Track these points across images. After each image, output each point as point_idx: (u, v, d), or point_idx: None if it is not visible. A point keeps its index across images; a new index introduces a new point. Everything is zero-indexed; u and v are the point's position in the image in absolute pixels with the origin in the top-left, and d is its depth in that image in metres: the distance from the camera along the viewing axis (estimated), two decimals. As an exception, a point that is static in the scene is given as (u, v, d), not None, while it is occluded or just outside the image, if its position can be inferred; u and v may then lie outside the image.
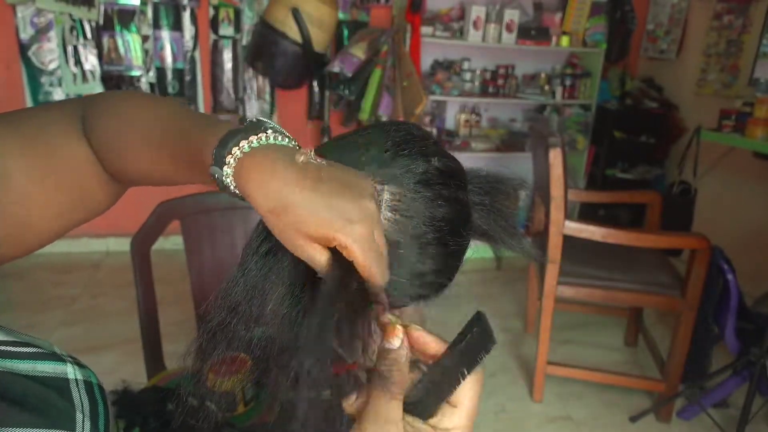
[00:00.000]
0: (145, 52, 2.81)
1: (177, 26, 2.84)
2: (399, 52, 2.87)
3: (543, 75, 3.43)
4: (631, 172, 3.56)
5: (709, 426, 1.92)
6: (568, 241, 1.89)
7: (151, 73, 2.85)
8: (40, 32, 2.66)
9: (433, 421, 0.40)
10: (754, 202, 3.00)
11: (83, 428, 0.36)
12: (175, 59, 2.87)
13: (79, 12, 2.66)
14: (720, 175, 3.19)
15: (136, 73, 2.81)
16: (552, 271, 1.92)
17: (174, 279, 1.88)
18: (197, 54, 2.90)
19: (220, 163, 0.37)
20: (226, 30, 2.91)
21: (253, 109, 3.06)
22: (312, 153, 0.38)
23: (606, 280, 1.94)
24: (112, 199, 0.55)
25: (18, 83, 2.68)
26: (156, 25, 2.80)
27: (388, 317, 0.40)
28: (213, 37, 2.91)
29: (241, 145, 0.37)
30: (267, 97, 3.08)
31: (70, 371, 0.39)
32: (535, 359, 2.05)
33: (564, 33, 3.27)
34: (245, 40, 2.94)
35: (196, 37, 2.88)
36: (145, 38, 2.80)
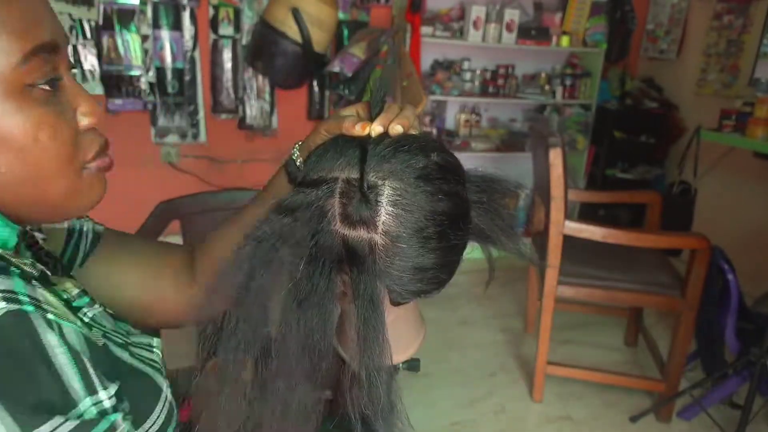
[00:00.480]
0: (145, 51, 2.81)
1: (177, 26, 2.83)
2: (399, 52, 2.87)
3: (543, 75, 3.43)
4: (631, 172, 3.55)
5: (709, 426, 1.92)
6: (568, 241, 1.88)
7: (151, 73, 2.84)
8: (40, 32, 2.66)
9: None
10: (754, 202, 2.99)
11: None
12: (174, 59, 2.87)
13: (79, 11, 2.66)
14: (720, 175, 3.19)
15: (135, 72, 2.81)
16: (552, 271, 1.92)
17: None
18: (197, 54, 2.90)
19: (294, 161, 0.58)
20: (226, 30, 2.91)
21: (253, 109, 3.06)
22: None
23: (606, 280, 1.93)
24: (179, 312, 0.70)
25: (18, 83, 2.68)
26: (156, 25, 2.80)
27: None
28: (213, 36, 2.91)
29: (295, 149, 0.60)
30: (267, 97, 3.08)
31: (164, 389, 0.55)
32: (535, 359, 2.05)
33: (564, 33, 3.27)
34: (245, 40, 2.94)
35: (195, 37, 2.88)
36: (144, 38, 2.79)
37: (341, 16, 3.00)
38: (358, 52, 2.75)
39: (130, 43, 2.78)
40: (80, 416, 0.39)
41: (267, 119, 3.09)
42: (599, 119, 3.46)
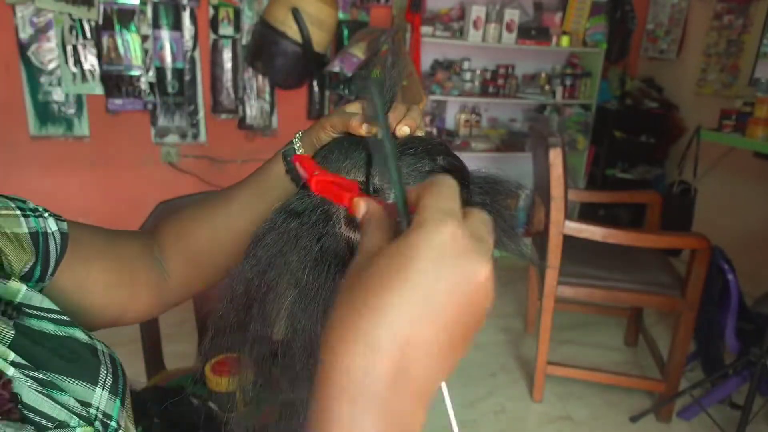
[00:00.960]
0: (145, 51, 2.81)
1: (177, 26, 2.83)
2: (399, 52, 2.87)
3: (543, 75, 3.42)
4: (631, 172, 3.56)
5: (709, 426, 1.92)
6: (568, 241, 1.88)
7: (151, 73, 2.84)
8: (40, 32, 2.66)
9: None
10: (754, 202, 2.99)
11: (105, 383, 0.47)
12: (174, 59, 2.87)
13: (79, 11, 2.66)
14: (720, 175, 3.19)
15: (135, 72, 2.81)
16: (552, 271, 1.92)
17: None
18: (197, 54, 2.90)
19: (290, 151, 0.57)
20: (226, 30, 2.91)
21: (253, 109, 3.06)
22: None
23: (606, 280, 1.93)
24: (157, 301, 0.64)
25: (17, 83, 2.67)
26: (155, 25, 2.80)
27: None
28: (213, 36, 2.91)
29: (295, 140, 0.58)
30: (267, 96, 3.08)
31: (99, 345, 0.50)
32: (535, 359, 2.05)
33: (564, 33, 3.27)
34: (245, 39, 2.94)
35: (195, 37, 2.88)
36: (144, 38, 2.79)
37: (341, 16, 3.00)
38: (358, 52, 2.75)
39: (130, 43, 2.78)
40: None
41: (267, 119, 3.09)
42: (599, 119, 3.46)
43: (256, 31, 2.79)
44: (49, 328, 0.47)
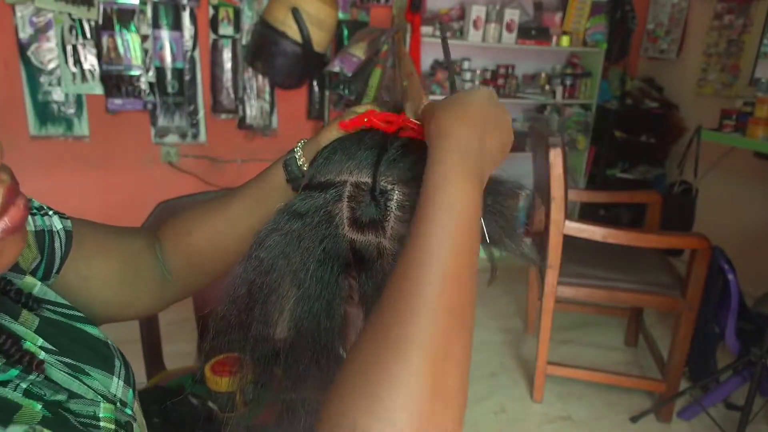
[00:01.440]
0: (145, 51, 2.81)
1: (176, 26, 2.83)
2: (399, 52, 2.87)
3: (543, 75, 3.42)
4: (631, 172, 3.55)
5: (709, 426, 1.92)
6: (569, 241, 1.88)
7: (151, 73, 2.84)
8: (39, 31, 2.65)
9: None
10: (754, 202, 2.99)
11: (120, 373, 0.50)
12: (174, 59, 2.87)
13: (79, 11, 2.66)
14: (721, 175, 3.19)
15: (135, 72, 2.81)
16: (552, 271, 1.92)
17: (174, 279, 1.88)
18: (197, 54, 2.90)
19: (292, 160, 0.57)
20: (226, 30, 2.91)
21: (253, 109, 3.06)
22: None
23: (606, 280, 1.93)
24: (158, 299, 0.66)
25: (17, 83, 2.67)
26: (155, 25, 2.80)
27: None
28: (213, 36, 2.91)
29: (297, 148, 0.58)
30: (267, 96, 3.08)
31: (109, 340, 0.52)
32: (535, 359, 2.04)
33: (564, 33, 3.27)
34: (245, 39, 2.94)
35: (195, 37, 2.88)
36: (144, 38, 2.79)
37: (341, 16, 2.99)
38: (358, 52, 2.75)
39: (130, 43, 2.78)
40: None
41: (267, 119, 3.09)
42: (599, 119, 3.46)
43: (256, 31, 2.78)
44: (63, 320, 0.49)
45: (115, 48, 2.76)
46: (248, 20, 2.92)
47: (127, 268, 0.61)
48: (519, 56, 3.41)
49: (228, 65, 2.97)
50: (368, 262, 0.46)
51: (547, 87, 3.40)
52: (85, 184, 2.82)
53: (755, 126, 2.55)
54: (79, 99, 2.78)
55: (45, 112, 2.75)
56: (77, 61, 2.73)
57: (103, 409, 0.44)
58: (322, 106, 3.10)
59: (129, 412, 0.49)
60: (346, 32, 3.07)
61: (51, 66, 2.72)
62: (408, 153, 0.47)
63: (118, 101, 2.81)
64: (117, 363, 0.50)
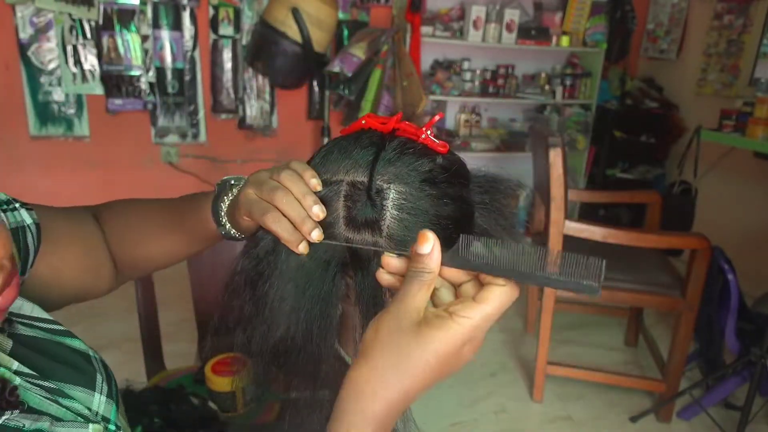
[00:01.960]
0: (145, 51, 2.81)
1: (177, 26, 2.84)
2: (399, 52, 2.87)
3: (543, 75, 3.42)
4: (631, 172, 3.55)
5: (709, 426, 1.92)
6: (568, 241, 1.88)
7: (151, 73, 2.85)
8: (40, 32, 2.66)
9: (450, 306, 0.39)
10: (754, 202, 2.99)
11: (102, 387, 0.49)
12: (174, 59, 2.87)
13: (79, 11, 2.66)
14: (720, 175, 3.19)
15: (135, 72, 2.81)
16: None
17: (174, 279, 1.88)
18: (197, 54, 2.90)
19: (219, 221, 0.57)
20: (226, 30, 2.91)
21: (253, 109, 3.06)
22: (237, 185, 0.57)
23: (606, 280, 1.93)
24: (110, 284, 0.66)
25: (17, 83, 2.68)
26: (156, 25, 2.80)
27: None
28: (213, 36, 2.91)
29: (222, 207, 0.57)
30: (267, 97, 3.08)
31: (91, 351, 0.51)
32: (535, 359, 2.04)
33: (564, 33, 3.27)
34: (245, 39, 2.94)
35: (195, 37, 2.88)
36: (144, 38, 2.79)
37: (341, 16, 3.00)
38: (358, 52, 2.75)
39: (130, 43, 2.78)
40: None
41: (267, 119, 3.09)
42: (599, 119, 3.46)
43: (256, 31, 2.79)
44: (41, 335, 0.48)
45: (116, 48, 2.76)
46: (248, 20, 2.92)
47: (89, 252, 0.62)
48: (519, 56, 3.41)
49: (228, 65, 2.97)
50: (364, 261, 0.46)
51: (546, 87, 3.40)
52: (85, 184, 2.82)
53: (755, 126, 2.55)
54: (79, 99, 2.78)
55: (45, 112, 2.75)
56: (77, 62, 2.74)
57: (93, 430, 0.43)
58: (322, 106, 3.10)
59: (112, 428, 0.48)
60: (346, 32, 3.07)
61: (51, 66, 2.72)
62: (405, 153, 0.47)
63: (118, 101, 2.81)
64: (99, 378, 0.49)
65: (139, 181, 2.90)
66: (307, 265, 0.47)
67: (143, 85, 2.84)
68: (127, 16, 2.74)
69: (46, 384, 0.44)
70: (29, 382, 0.43)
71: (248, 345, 0.49)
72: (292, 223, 0.45)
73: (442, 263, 0.39)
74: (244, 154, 3.07)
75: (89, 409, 0.46)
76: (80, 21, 2.69)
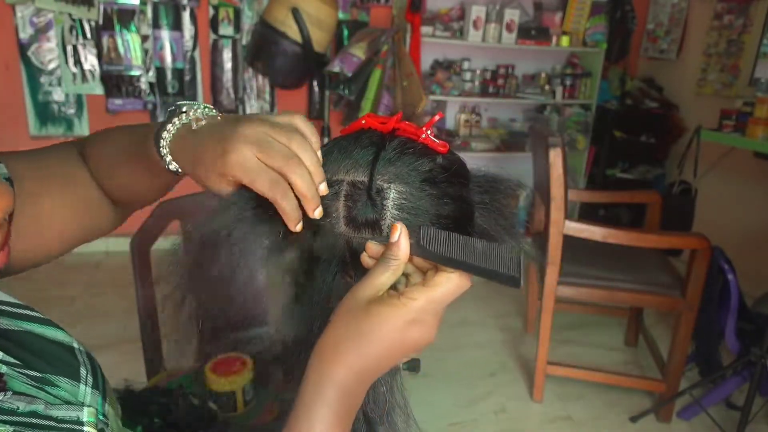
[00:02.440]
0: (145, 51, 2.81)
1: (177, 26, 2.84)
2: (399, 52, 2.87)
3: (543, 75, 3.43)
4: (631, 172, 3.56)
5: (709, 426, 1.92)
6: (568, 241, 1.88)
7: (151, 73, 2.85)
8: (40, 32, 2.66)
9: (401, 287, 0.43)
10: (754, 202, 2.99)
11: (86, 380, 0.47)
12: (174, 59, 2.87)
13: (79, 11, 2.66)
14: (720, 175, 3.19)
15: (135, 72, 2.81)
16: (552, 271, 1.92)
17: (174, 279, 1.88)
18: (197, 54, 2.90)
19: (159, 148, 0.49)
20: (226, 30, 2.91)
21: (253, 109, 3.06)
22: (202, 120, 0.48)
23: (606, 280, 1.93)
24: (113, 221, 0.64)
25: (17, 83, 2.68)
26: (156, 25, 2.80)
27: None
28: (213, 36, 2.91)
29: (164, 136, 0.48)
30: (267, 96, 3.08)
31: (75, 343, 0.49)
32: (535, 359, 2.05)
33: (564, 33, 3.27)
34: (245, 39, 2.94)
35: (195, 37, 2.88)
36: (144, 38, 2.80)
37: (341, 16, 3.00)
38: (358, 52, 2.75)
39: (130, 43, 2.78)
40: None
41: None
42: (599, 119, 3.46)
43: (256, 31, 2.79)
44: (21, 330, 0.46)
45: (116, 48, 2.76)
46: (248, 20, 2.92)
47: (74, 194, 0.58)
48: (519, 56, 3.41)
49: (228, 65, 2.97)
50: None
51: (546, 87, 3.41)
52: (85, 184, 2.82)
53: (755, 126, 2.55)
54: (79, 99, 2.78)
55: (45, 112, 2.75)
56: (77, 62, 2.74)
57: (87, 414, 0.43)
58: (322, 106, 3.10)
59: (102, 418, 0.47)
60: (346, 32, 3.07)
61: (51, 66, 2.72)
62: (405, 152, 0.47)
63: (118, 101, 2.81)
64: (83, 371, 0.47)
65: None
66: (307, 265, 0.47)
67: (143, 85, 2.84)
68: (127, 16, 2.74)
69: (31, 373, 0.43)
70: (14, 370, 0.42)
71: (249, 345, 0.49)
72: (298, 197, 0.43)
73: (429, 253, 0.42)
74: (244, 154, 3.07)
75: (76, 399, 0.45)
76: (80, 21, 2.69)
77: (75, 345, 0.49)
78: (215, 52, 2.93)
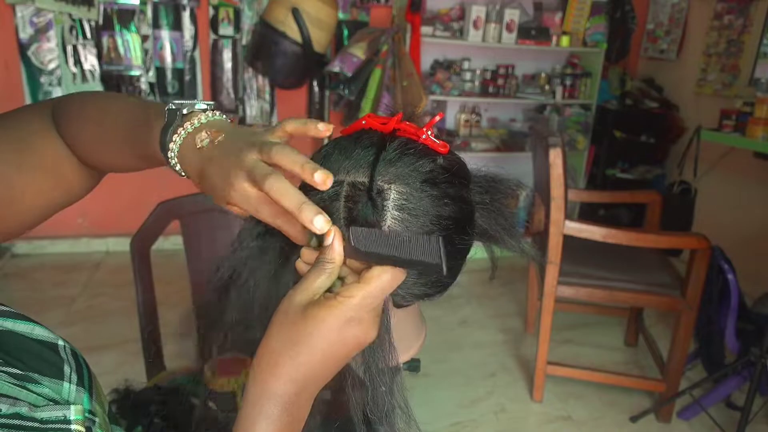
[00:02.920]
0: (145, 51, 2.81)
1: (177, 26, 2.84)
2: (399, 52, 2.87)
3: (543, 75, 3.43)
4: (631, 172, 3.56)
5: (709, 426, 1.92)
6: (568, 241, 1.88)
7: (151, 73, 2.85)
8: (40, 32, 2.66)
9: (337, 288, 0.43)
10: (754, 202, 3.00)
11: (70, 378, 0.45)
12: (174, 59, 2.87)
13: (79, 11, 2.66)
14: (720, 175, 3.19)
15: (135, 72, 2.81)
16: (552, 271, 1.92)
17: (174, 279, 1.88)
18: (197, 54, 2.90)
19: (166, 153, 0.48)
20: (226, 30, 2.91)
21: (253, 109, 3.06)
22: (208, 134, 0.47)
23: (606, 280, 1.93)
24: (88, 184, 0.61)
25: (17, 83, 2.68)
26: (156, 25, 2.80)
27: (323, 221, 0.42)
28: (213, 36, 2.91)
29: (174, 139, 0.47)
30: (267, 96, 3.08)
31: (60, 341, 0.47)
32: (535, 359, 2.05)
33: (564, 33, 3.27)
34: (245, 39, 2.94)
35: (195, 37, 2.88)
36: (144, 38, 2.80)
37: (341, 16, 3.00)
38: (358, 52, 2.75)
39: (130, 43, 2.78)
40: None
41: (267, 119, 3.09)
42: (599, 119, 3.46)
43: (256, 31, 2.79)
44: (3, 323, 0.45)
45: (116, 48, 2.77)
46: (248, 20, 2.92)
47: (44, 163, 0.56)
48: (519, 56, 3.41)
49: (228, 65, 2.97)
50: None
51: (546, 87, 3.40)
52: (85, 184, 2.82)
53: (755, 126, 2.55)
54: (79, 99, 2.78)
55: (45, 112, 2.75)
56: (77, 62, 2.74)
57: (75, 411, 0.42)
58: (322, 106, 3.10)
59: (88, 416, 0.46)
60: (346, 32, 3.08)
61: (51, 66, 2.72)
62: (405, 153, 0.47)
63: (118, 101, 2.81)
64: (67, 368, 0.46)
65: (139, 181, 2.90)
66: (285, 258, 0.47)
67: (143, 85, 2.84)
68: (127, 16, 2.74)
69: (12, 370, 0.42)
70: None
71: (251, 345, 0.49)
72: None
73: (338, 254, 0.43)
74: (244, 154, 3.07)
75: (60, 397, 0.44)
76: (80, 21, 2.69)
77: (60, 342, 0.47)
78: (215, 52, 2.93)
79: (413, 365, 0.78)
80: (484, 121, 3.52)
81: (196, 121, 0.47)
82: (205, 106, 0.49)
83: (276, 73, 2.72)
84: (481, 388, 2.13)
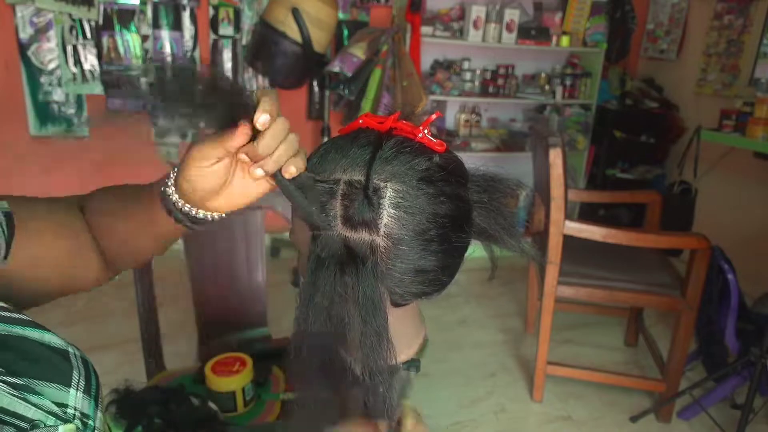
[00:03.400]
0: (145, 51, 2.81)
1: (177, 26, 2.84)
2: (399, 52, 2.87)
3: (543, 75, 3.43)
4: (631, 172, 3.56)
5: (709, 426, 1.92)
6: (568, 241, 1.88)
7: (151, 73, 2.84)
8: (40, 32, 2.66)
9: None
10: (754, 202, 2.99)
11: (78, 385, 0.46)
12: (174, 59, 2.87)
13: (79, 11, 2.66)
14: (720, 175, 3.19)
15: (135, 72, 2.81)
16: (552, 271, 1.92)
17: (174, 279, 1.88)
18: (197, 54, 2.90)
19: (168, 200, 0.53)
20: (226, 30, 2.91)
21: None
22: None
23: (606, 280, 1.93)
24: (97, 276, 0.65)
25: (17, 83, 2.68)
26: (156, 25, 2.80)
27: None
28: (213, 36, 2.91)
29: (169, 185, 0.53)
30: (267, 96, 3.08)
31: (71, 348, 0.48)
32: (535, 359, 2.05)
33: (564, 33, 3.27)
34: (245, 39, 2.94)
35: (195, 37, 2.88)
36: (144, 38, 2.80)
37: (341, 16, 3.00)
38: (358, 52, 2.75)
39: (130, 43, 2.78)
40: None
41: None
42: (599, 119, 3.46)
43: (256, 31, 2.79)
44: (5, 333, 0.45)
45: (116, 48, 2.77)
46: (248, 20, 2.92)
47: (72, 242, 0.60)
48: (519, 56, 3.41)
49: (228, 65, 2.97)
50: (361, 260, 0.46)
51: (546, 87, 3.40)
52: (85, 183, 2.82)
53: (755, 126, 2.55)
54: (79, 99, 2.78)
55: (45, 112, 2.75)
56: (77, 61, 2.74)
57: (63, 431, 0.42)
58: (322, 106, 3.10)
59: (92, 424, 0.46)
60: (346, 32, 3.07)
61: (51, 66, 2.72)
62: (402, 151, 0.47)
63: (118, 101, 2.82)
64: (76, 374, 0.46)
65: (139, 181, 2.91)
66: (309, 265, 0.47)
67: (143, 85, 2.84)
68: (127, 16, 2.74)
69: (11, 380, 0.42)
70: None
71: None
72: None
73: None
74: (244, 154, 3.07)
75: (64, 406, 0.44)
76: (80, 21, 2.69)
77: (70, 349, 0.48)
78: (215, 52, 2.93)
79: (413, 365, 0.78)
80: (484, 121, 3.52)
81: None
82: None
83: (276, 73, 2.71)
84: (481, 388, 2.13)
